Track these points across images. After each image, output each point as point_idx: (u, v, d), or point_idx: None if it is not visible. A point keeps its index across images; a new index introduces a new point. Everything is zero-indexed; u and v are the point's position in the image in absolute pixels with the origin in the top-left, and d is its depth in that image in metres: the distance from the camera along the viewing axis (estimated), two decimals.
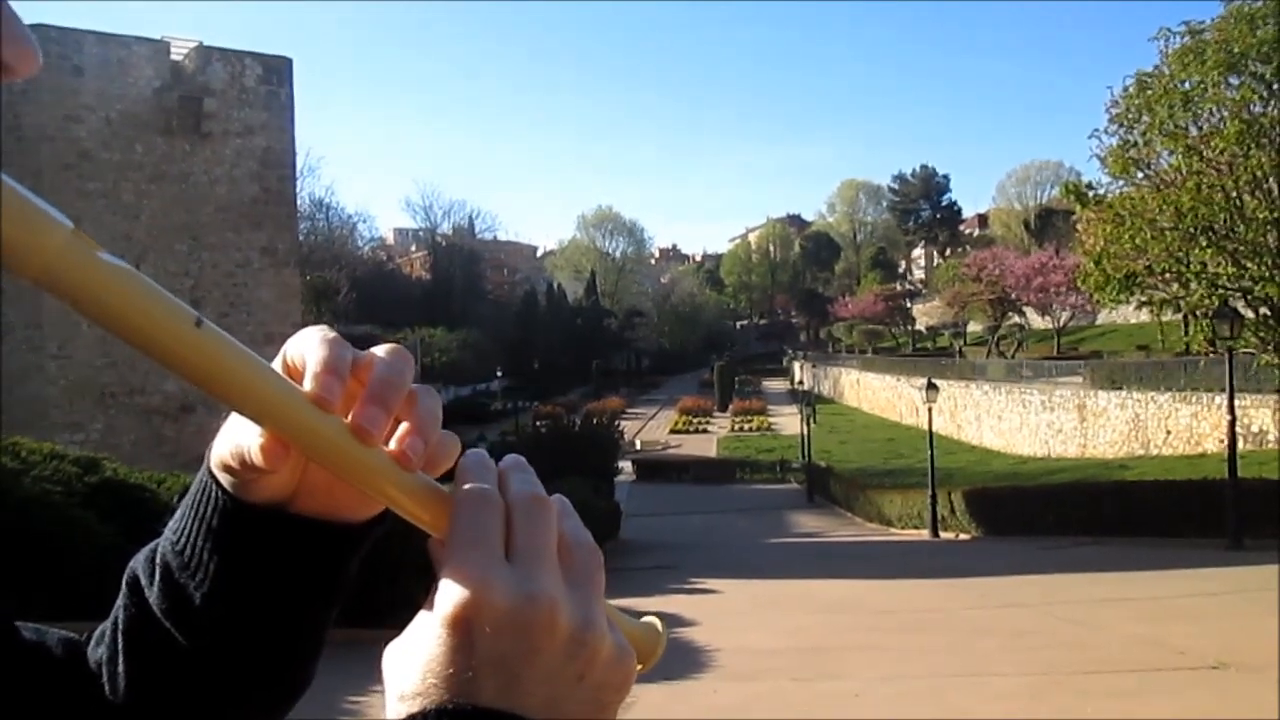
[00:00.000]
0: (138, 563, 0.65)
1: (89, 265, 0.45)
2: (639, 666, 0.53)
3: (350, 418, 0.51)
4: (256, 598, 0.60)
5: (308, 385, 0.51)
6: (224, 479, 0.59)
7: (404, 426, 0.53)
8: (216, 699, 0.63)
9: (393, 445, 0.52)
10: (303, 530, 0.59)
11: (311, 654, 0.65)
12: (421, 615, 0.48)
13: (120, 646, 0.64)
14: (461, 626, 0.46)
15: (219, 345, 0.48)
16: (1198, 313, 22.03)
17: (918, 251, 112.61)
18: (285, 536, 0.59)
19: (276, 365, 0.54)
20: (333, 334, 0.54)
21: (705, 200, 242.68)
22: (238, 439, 0.56)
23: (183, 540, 0.61)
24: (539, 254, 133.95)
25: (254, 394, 0.49)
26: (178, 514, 0.62)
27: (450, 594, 0.47)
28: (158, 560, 0.63)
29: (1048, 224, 78.60)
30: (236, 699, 0.64)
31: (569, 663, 0.48)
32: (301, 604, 0.62)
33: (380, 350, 0.55)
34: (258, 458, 0.54)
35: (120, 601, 0.65)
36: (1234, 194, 19.60)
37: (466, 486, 0.51)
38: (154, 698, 0.63)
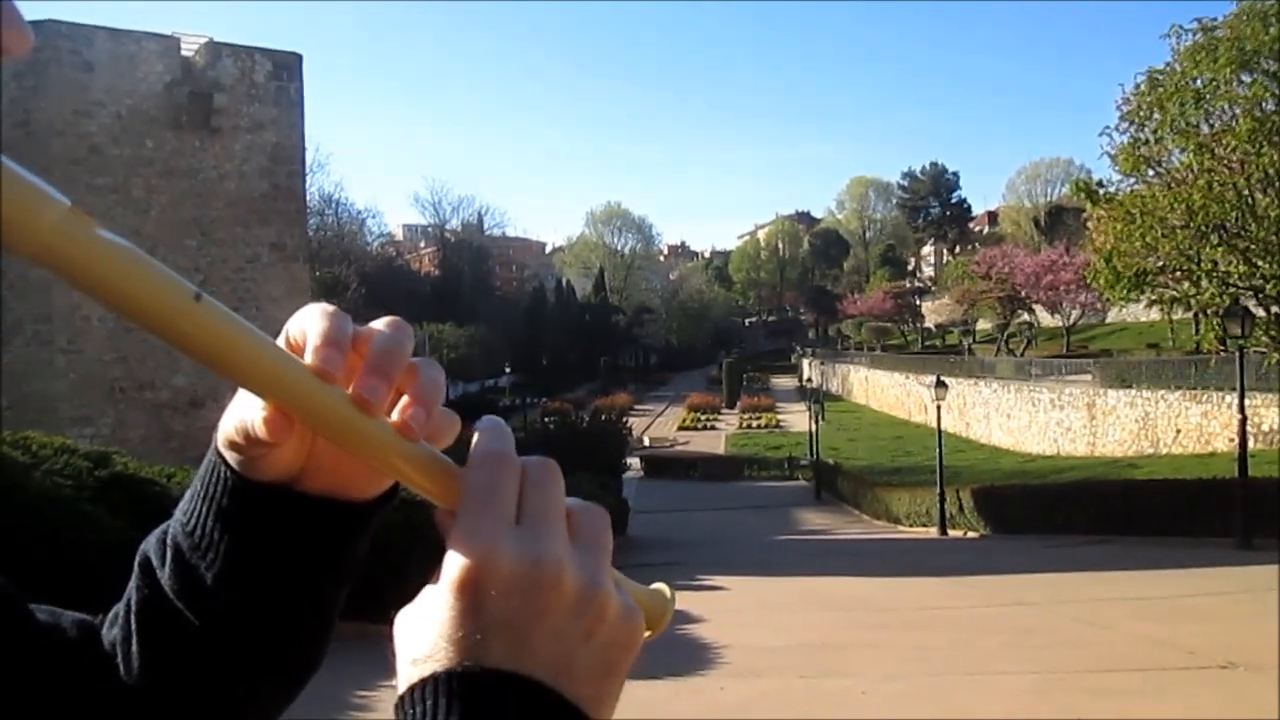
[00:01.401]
0: (149, 545, 0.65)
1: (87, 242, 0.45)
2: (648, 632, 0.53)
3: (351, 388, 0.51)
4: (266, 576, 0.61)
5: (309, 358, 0.52)
6: (231, 457, 0.59)
7: (406, 398, 0.53)
8: (229, 678, 0.64)
9: (395, 416, 0.53)
10: (310, 508, 0.60)
11: (322, 633, 0.66)
12: (432, 582, 0.49)
13: (133, 628, 0.65)
14: (469, 590, 0.47)
15: (219, 319, 0.48)
16: (1208, 311, 21.96)
17: (927, 249, 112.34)
18: (293, 514, 0.60)
19: (279, 342, 0.54)
20: (333, 308, 0.54)
21: (714, 197, 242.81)
22: (242, 414, 0.56)
23: (193, 521, 0.62)
24: (548, 250, 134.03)
25: (256, 367, 0.50)
26: (187, 495, 0.63)
27: (457, 559, 0.48)
28: (169, 541, 0.63)
29: (1058, 221, 78.37)
30: (249, 677, 0.64)
31: (576, 622, 0.48)
32: (311, 582, 0.62)
33: (379, 323, 0.55)
34: (262, 430, 0.54)
35: (133, 583, 0.66)
36: (1245, 192, 19.52)
37: (480, 447, 0.52)
38: (168, 677, 0.64)
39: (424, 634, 0.48)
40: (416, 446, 0.52)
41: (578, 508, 0.52)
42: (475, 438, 0.53)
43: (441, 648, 0.47)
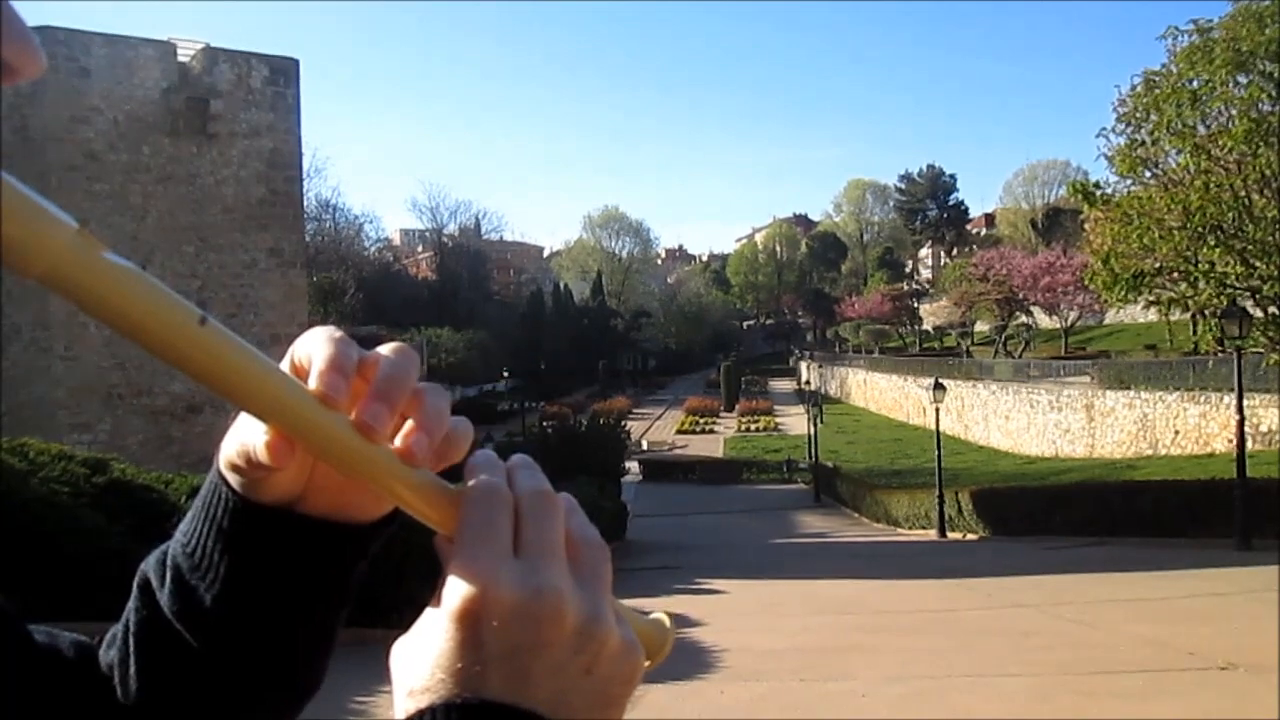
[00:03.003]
0: (148, 565, 0.65)
1: (94, 265, 0.45)
2: (647, 662, 0.53)
3: (355, 414, 0.51)
4: (267, 598, 0.60)
5: (313, 383, 0.52)
6: (233, 479, 0.59)
7: (409, 424, 0.53)
8: (228, 700, 0.63)
9: (398, 442, 0.53)
10: (312, 530, 0.59)
11: (322, 654, 0.65)
12: (429, 611, 0.49)
13: (132, 649, 0.64)
14: (469, 621, 0.47)
15: (223, 343, 0.48)
16: (1206, 312, 21.97)
17: (925, 251, 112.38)
18: (295, 536, 0.59)
19: (284, 365, 0.54)
20: (339, 333, 0.54)
21: (712, 200, 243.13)
22: (244, 438, 0.56)
23: (193, 542, 0.61)
24: (545, 254, 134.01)
25: (259, 391, 0.50)
26: (188, 516, 0.63)
27: (458, 589, 0.47)
28: (168, 562, 0.63)
29: (1055, 223, 78.44)
30: (248, 699, 0.64)
31: (576, 656, 0.48)
32: (311, 604, 0.62)
33: (385, 349, 0.55)
34: (264, 455, 0.54)
35: (131, 604, 0.65)
36: (1242, 193, 19.53)
37: (477, 482, 0.51)
38: (166, 699, 0.64)
39: (422, 664, 0.47)
40: (418, 473, 0.52)
41: (579, 540, 0.52)
42: (467, 472, 0.52)
43: (440, 679, 0.47)
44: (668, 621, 0.58)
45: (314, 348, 0.53)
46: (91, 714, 0.64)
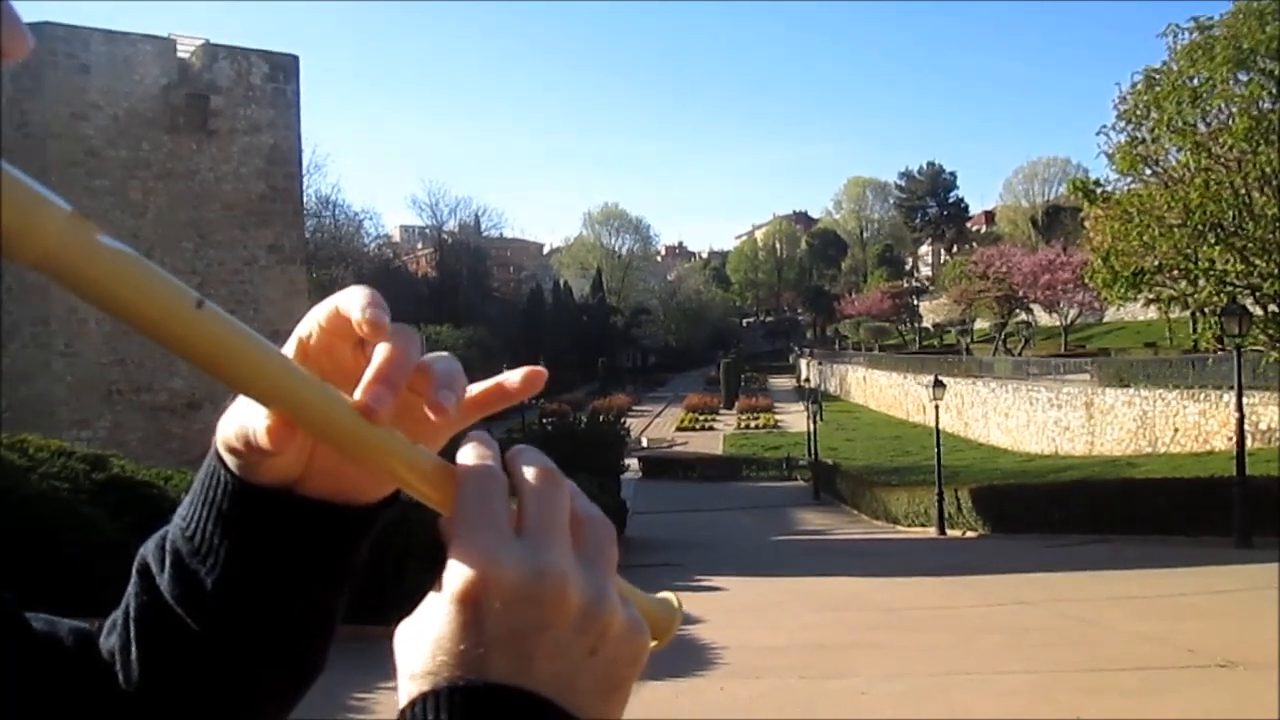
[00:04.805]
0: (148, 550, 0.64)
1: (88, 248, 0.44)
2: (654, 642, 0.53)
3: (357, 396, 0.51)
4: (267, 581, 0.60)
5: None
6: (231, 462, 0.58)
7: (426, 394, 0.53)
8: (229, 684, 0.63)
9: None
10: (311, 512, 0.59)
11: (323, 638, 0.65)
12: (432, 593, 0.48)
13: (132, 634, 0.64)
14: (471, 603, 0.46)
15: (221, 326, 0.47)
16: (1206, 310, 22.00)
17: (925, 248, 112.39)
18: (294, 518, 0.59)
19: (321, 311, 0.54)
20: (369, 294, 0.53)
21: (712, 197, 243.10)
22: (243, 420, 0.55)
23: (193, 525, 0.61)
24: (545, 251, 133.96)
25: (258, 374, 0.49)
26: (187, 500, 0.62)
27: (459, 571, 0.47)
28: (168, 547, 0.62)
29: (1055, 221, 78.43)
30: (249, 684, 0.64)
31: (580, 637, 0.47)
32: (312, 587, 0.61)
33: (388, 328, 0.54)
34: (263, 440, 0.53)
35: (131, 589, 0.65)
36: (1242, 191, 19.55)
37: (470, 462, 0.51)
38: (167, 684, 0.63)
39: (424, 648, 0.47)
40: (423, 455, 0.52)
41: (583, 519, 0.51)
42: (461, 452, 0.52)
43: (442, 662, 0.46)
44: (676, 601, 0.57)
45: (350, 307, 0.53)
46: (93, 701, 0.64)
